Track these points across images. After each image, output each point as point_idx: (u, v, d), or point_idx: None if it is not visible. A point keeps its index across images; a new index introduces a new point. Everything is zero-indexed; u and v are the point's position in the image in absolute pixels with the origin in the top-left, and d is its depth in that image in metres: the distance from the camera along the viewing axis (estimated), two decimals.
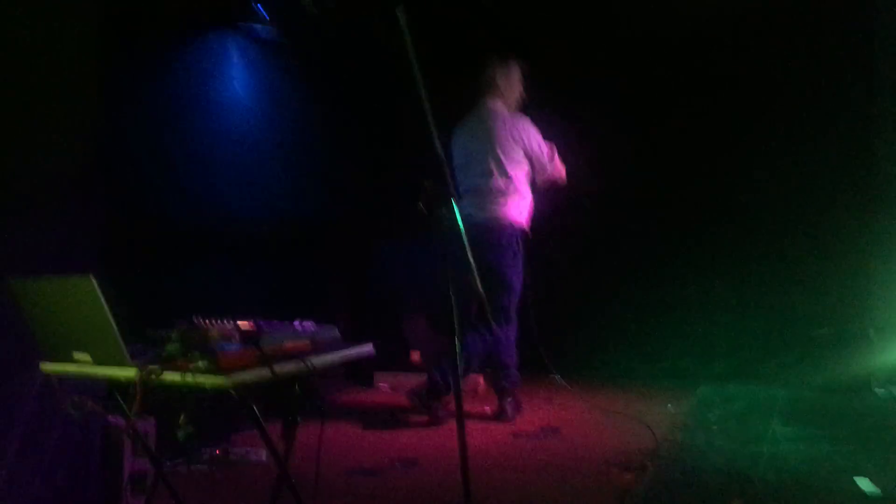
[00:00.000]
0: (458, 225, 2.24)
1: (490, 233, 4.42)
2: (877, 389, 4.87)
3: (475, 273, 2.27)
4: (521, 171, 4.59)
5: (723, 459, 3.62)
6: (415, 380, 5.35)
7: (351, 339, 2.75)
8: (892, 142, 5.06)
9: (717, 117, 5.48)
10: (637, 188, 5.64)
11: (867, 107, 5.11)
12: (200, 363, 2.09)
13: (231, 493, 3.40)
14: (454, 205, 2.25)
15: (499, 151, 4.51)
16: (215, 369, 2.06)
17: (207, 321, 2.44)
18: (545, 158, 4.63)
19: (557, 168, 4.73)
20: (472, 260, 2.25)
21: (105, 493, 3.06)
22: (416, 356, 5.75)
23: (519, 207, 4.57)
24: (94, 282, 2.05)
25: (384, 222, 5.63)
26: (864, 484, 3.26)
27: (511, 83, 4.70)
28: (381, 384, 5.54)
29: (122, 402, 2.40)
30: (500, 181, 4.51)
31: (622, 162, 5.57)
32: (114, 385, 2.43)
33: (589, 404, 4.88)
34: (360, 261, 5.89)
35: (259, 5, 4.61)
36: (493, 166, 4.52)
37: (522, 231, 4.61)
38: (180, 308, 2.51)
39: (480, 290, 2.28)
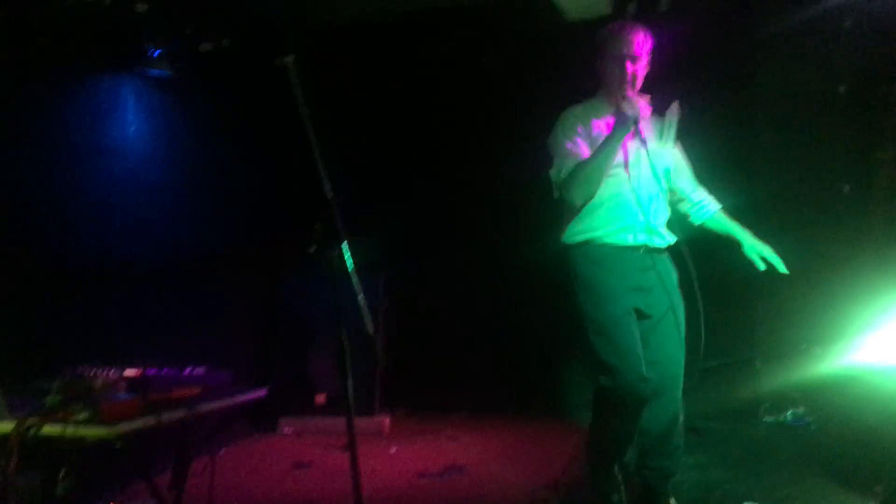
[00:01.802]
0: (348, 267, 2.27)
1: None
2: (765, 417, 5.10)
3: (367, 314, 2.30)
4: None
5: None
6: (320, 423, 5.31)
7: (255, 382, 2.72)
8: (769, 172, 5.36)
9: None
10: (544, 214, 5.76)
11: (748, 138, 5.38)
12: (82, 415, 2.04)
13: None
14: (344, 247, 2.28)
15: None
16: (98, 420, 2.01)
17: (93, 370, 2.39)
18: None
19: None
20: (362, 300, 2.28)
21: None
22: (321, 398, 5.69)
23: None
24: None
25: (286, 262, 5.59)
26: None
27: None
28: (285, 429, 5.45)
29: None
30: None
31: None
32: None
33: (495, 441, 4.93)
34: (265, 302, 5.82)
35: (154, 49, 4.57)
36: None
37: None
38: (70, 355, 2.44)
39: (371, 331, 2.30)
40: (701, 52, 5.40)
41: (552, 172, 3.26)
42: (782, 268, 3.34)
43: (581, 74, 3.45)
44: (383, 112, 6.09)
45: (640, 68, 3.25)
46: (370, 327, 2.28)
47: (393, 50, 5.92)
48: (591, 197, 3.15)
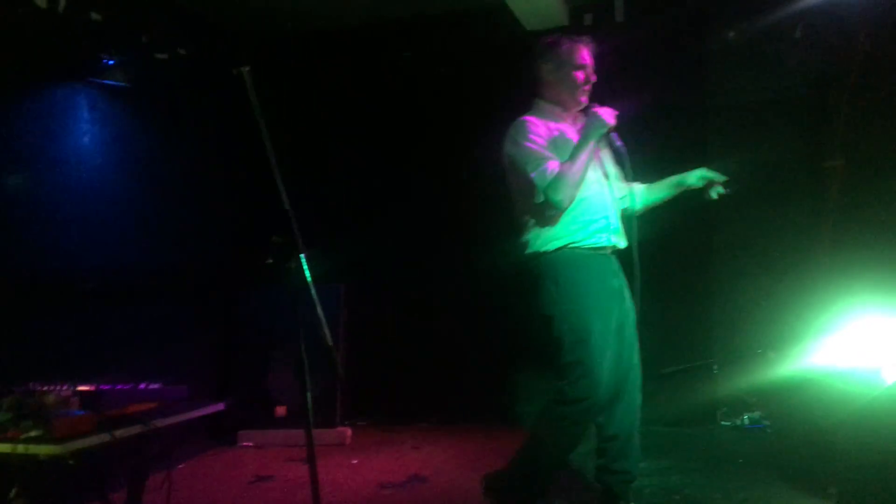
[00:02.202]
0: (307, 279, 2.26)
1: None
2: (722, 421, 5.18)
3: (325, 326, 2.29)
4: None
5: (582, 497, 3.74)
6: (280, 436, 5.26)
7: (213, 396, 2.68)
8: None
9: None
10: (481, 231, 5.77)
11: (700, 148, 5.47)
12: (34, 432, 2.00)
13: None
14: (302, 259, 2.27)
15: None
16: (50, 438, 1.97)
17: (44, 387, 2.34)
18: None
19: None
20: (320, 312, 2.27)
21: None
22: (281, 411, 5.64)
23: None
24: None
25: (244, 275, 5.54)
26: None
27: None
28: (244, 443, 5.39)
29: None
30: None
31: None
32: None
33: (456, 451, 4.92)
34: (224, 314, 5.76)
35: (107, 58, 4.51)
36: None
37: None
38: (19, 372, 2.39)
39: (330, 342, 2.29)
40: (654, 62, 5.49)
41: (535, 177, 3.14)
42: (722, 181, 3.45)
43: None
44: (343, 122, 6.08)
45: (593, 78, 3.35)
46: (329, 339, 2.27)
47: (351, 60, 5.92)
48: (574, 199, 3.15)
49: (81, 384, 2.36)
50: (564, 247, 3.22)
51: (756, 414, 5.10)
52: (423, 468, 4.60)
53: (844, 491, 3.21)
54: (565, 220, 3.21)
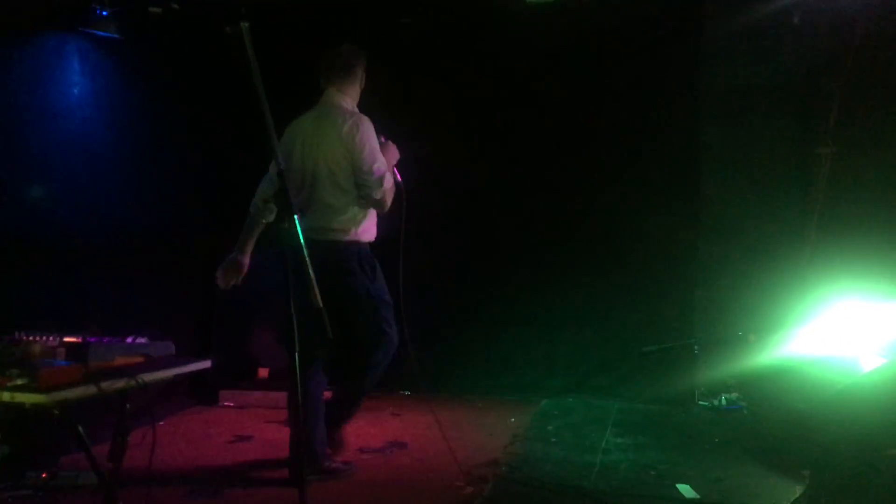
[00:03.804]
0: (300, 240, 2.25)
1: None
2: (700, 401, 5.24)
3: (315, 288, 2.28)
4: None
5: (558, 470, 3.79)
6: (261, 397, 5.28)
7: (195, 354, 2.67)
8: (714, 167, 5.47)
9: (548, 143, 5.75)
10: (477, 205, 5.81)
11: (693, 133, 5.49)
12: (19, 381, 1.99)
13: None
14: (296, 219, 2.26)
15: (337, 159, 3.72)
16: (35, 387, 1.96)
17: (31, 336, 2.33)
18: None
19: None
20: (311, 275, 2.26)
21: None
22: (263, 372, 5.65)
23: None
24: None
25: (229, 234, 5.50)
26: (685, 490, 3.51)
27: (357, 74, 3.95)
28: (225, 402, 5.40)
29: None
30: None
31: (462, 180, 5.72)
32: None
33: (435, 419, 4.96)
34: (206, 274, 5.73)
35: (100, 9, 4.43)
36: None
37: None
38: (4, 322, 2.38)
39: (320, 305, 2.29)
40: (650, 43, 5.48)
41: (385, 177, 3.72)
42: None
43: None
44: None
45: None
46: (319, 301, 2.26)
47: (350, 24, 5.83)
48: None
49: (68, 335, 2.35)
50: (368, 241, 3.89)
51: (734, 395, 5.16)
52: (402, 434, 4.64)
53: (816, 473, 3.26)
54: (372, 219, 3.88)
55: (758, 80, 5.40)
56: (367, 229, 3.86)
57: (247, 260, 3.83)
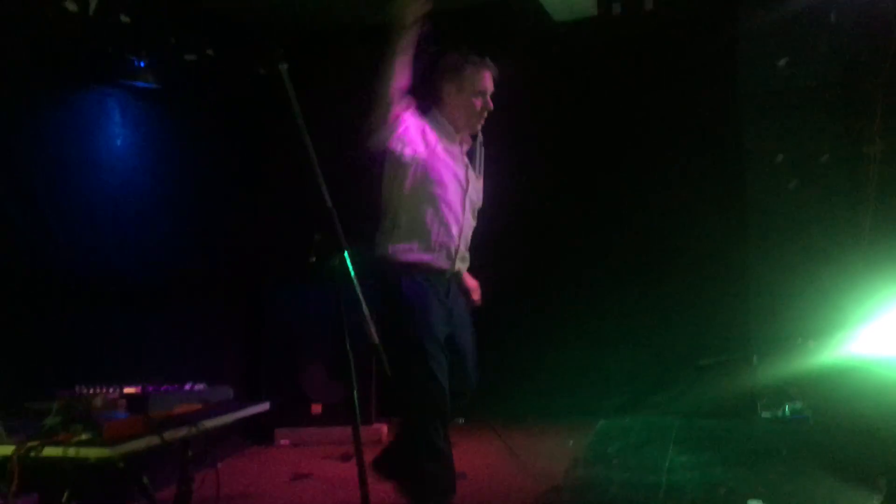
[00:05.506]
0: (351, 276, 2.23)
1: None
2: (763, 413, 5.10)
3: (370, 323, 2.27)
4: None
5: (624, 493, 3.69)
6: (316, 433, 5.27)
7: (247, 395, 2.66)
8: (760, 172, 5.38)
9: (593, 160, 5.71)
10: (522, 225, 5.74)
11: (736, 139, 5.41)
12: (84, 436, 2.00)
13: None
14: (346, 256, 2.25)
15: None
16: (100, 441, 1.97)
17: (91, 389, 2.34)
18: None
19: None
20: (366, 310, 2.25)
21: None
22: (317, 409, 5.64)
23: None
24: None
25: (276, 271, 5.54)
26: None
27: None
28: (282, 441, 5.40)
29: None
30: None
31: (510, 201, 5.69)
32: None
33: (492, 446, 4.90)
34: (254, 313, 5.76)
35: (137, 59, 4.52)
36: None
37: None
38: (64, 374, 2.40)
39: (376, 339, 2.27)
40: (685, 51, 5.42)
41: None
42: None
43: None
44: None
45: (490, 106, 3.36)
46: (374, 336, 2.24)
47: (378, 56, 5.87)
48: None
49: (127, 386, 2.36)
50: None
51: (797, 404, 5.01)
52: (461, 464, 4.53)
53: (894, 481, 3.15)
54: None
55: (797, 81, 5.32)
56: None
57: None
